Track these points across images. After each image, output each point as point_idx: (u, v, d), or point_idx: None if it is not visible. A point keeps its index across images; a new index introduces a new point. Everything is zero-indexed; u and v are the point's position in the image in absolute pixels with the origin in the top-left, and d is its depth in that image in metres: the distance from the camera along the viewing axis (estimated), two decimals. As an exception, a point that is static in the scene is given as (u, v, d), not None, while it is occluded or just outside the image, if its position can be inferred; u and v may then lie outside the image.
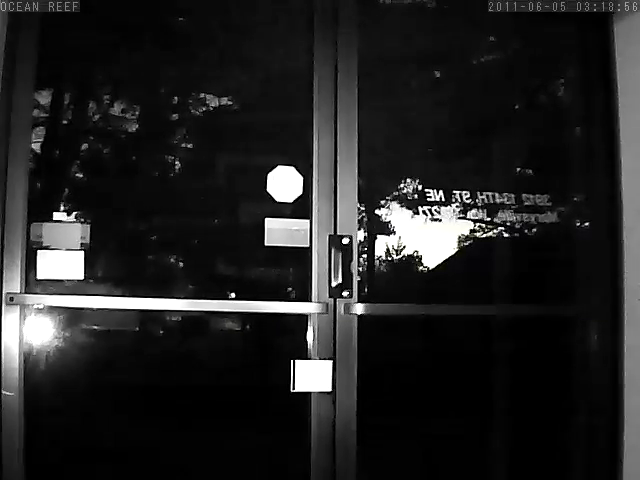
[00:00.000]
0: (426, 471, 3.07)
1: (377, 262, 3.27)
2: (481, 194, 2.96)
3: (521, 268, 3.18)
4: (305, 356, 2.48)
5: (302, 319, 2.51)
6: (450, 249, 3.28)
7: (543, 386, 2.99)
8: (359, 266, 2.58)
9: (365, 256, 3.17)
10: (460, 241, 3.29)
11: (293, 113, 2.85)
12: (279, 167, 2.64)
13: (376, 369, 2.82)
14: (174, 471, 2.80)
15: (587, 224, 3.04)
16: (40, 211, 2.48)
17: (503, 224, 3.12)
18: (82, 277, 2.44)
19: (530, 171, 3.42)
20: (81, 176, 3.10)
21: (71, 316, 2.73)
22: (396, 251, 3.28)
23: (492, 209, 3.01)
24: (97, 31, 2.75)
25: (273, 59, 3.00)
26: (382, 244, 3.26)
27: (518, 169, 3.41)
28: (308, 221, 2.54)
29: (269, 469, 2.84)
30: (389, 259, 3.30)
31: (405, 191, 3.20)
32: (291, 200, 2.62)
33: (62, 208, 2.83)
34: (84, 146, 3.13)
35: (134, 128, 3.12)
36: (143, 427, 2.86)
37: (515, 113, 3.39)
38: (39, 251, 2.40)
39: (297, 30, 2.75)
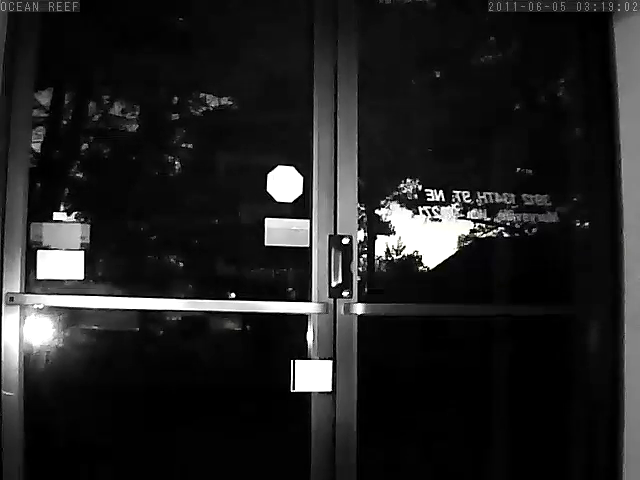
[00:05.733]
0: (426, 471, 3.06)
1: (377, 262, 3.26)
2: (481, 194, 2.96)
3: (521, 268, 3.18)
4: (305, 356, 2.48)
5: (302, 319, 2.51)
6: (450, 249, 3.28)
7: (543, 386, 2.99)
8: (359, 266, 2.58)
9: (365, 256, 3.17)
10: (460, 241, 3.28)
11: (293, 113, 2.85)
12: (279, 167, 2.64)
13: (376, 369, 2.82)
14: (174, 471, 2.80)
15: (587, 224, 3.04)
16: (40, 211, 2.48)
17: (503, 224, 3.12)
18: (82, 277, 2.44)
19: (530, 171, 3.42)
20: (81, 176, 3.10)
21: (71, 316, 2.72)
22: (396, 251, 3.28)
23: (492, 209, 3.01)
24: (97, 31, 2.75)
25: (273, 59, 2.99)
26: (382, 244, 3.25)
27: (518, 169, 3.40)
28: (308, 221, 2.54)
29: (269, 469, 2.83)
30: (389, 259, 3.30)
31: (405, 191, 3.20)
32: (291, 200, 2.62)
33: (62, 208, 2.82)
34: (84, 146, 3.12)
35: (134, 128, 3.11)
36: (143, 427, 2.85)
37: (515, 113, 3.39)
38: (39, 251, 2.40)
39: (297, 30, 2.75)
